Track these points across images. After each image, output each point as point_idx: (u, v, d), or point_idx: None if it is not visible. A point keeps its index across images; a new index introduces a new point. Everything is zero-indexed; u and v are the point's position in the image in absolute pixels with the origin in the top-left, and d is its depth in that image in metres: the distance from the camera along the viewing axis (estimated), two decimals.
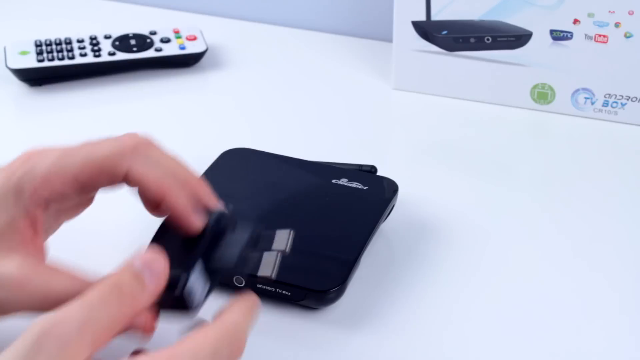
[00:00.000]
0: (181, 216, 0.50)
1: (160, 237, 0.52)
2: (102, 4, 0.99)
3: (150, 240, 0.52)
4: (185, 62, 0.87)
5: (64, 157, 0.50)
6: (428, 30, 0.80)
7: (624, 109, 0.77)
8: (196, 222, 0.50)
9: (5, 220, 0.49)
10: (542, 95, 0.79)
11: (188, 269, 0.49)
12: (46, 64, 0.83)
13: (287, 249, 0.54)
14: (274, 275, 0.54)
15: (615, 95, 0.77)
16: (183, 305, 0.49)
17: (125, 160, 0.50)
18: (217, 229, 0.52)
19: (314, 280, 0.58)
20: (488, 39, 0.79)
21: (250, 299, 0.47)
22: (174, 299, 0.49)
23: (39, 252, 0.50)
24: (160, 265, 0.46)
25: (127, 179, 0.50)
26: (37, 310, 0.47)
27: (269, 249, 0.54)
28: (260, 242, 0.54)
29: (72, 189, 0.50)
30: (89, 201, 0.55)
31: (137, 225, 0.62)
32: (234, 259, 0.51)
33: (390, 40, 0.82)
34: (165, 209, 0.51)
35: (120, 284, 0.44)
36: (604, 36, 0.75)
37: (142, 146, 0.51)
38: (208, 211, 0.52)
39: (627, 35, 0.74)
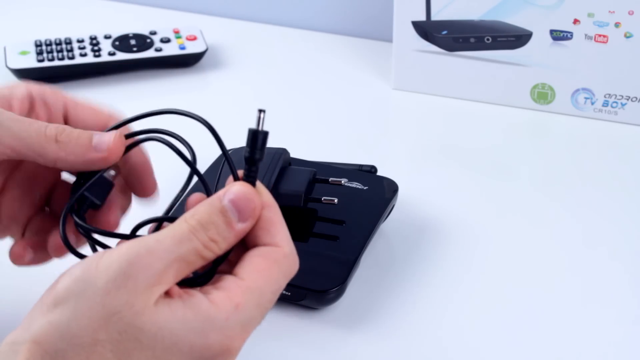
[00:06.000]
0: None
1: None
2: (102, 4, 0.99)
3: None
4: (185, 62, 0.87)
5: None
6: (428, 30, 0.80)
7: (624, 109, 0.77)
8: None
9: None
10: (542, 95, 0.79)
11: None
12: (46, 64, 0.83)
13: (344, 183, 0.64)
14: (336, 201, 0.62)
15: (615, 95, 0.77)
16: None
17: None
18: (282, 163, 0.62)
19: (314, 280, 0.58)
20: (488, 39, 0.79)
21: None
22: None
23: None
24: (253, 205, 0.44)
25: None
26: None
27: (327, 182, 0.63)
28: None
29: None
30: None
31: None
32: (303, 186, 0.61)
33: (390, 40, 0.82)
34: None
35: (208, 225, 0.43)
36: (604, 36, 0.75)
37: None
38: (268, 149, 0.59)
39: (627, 35, 0.74)
